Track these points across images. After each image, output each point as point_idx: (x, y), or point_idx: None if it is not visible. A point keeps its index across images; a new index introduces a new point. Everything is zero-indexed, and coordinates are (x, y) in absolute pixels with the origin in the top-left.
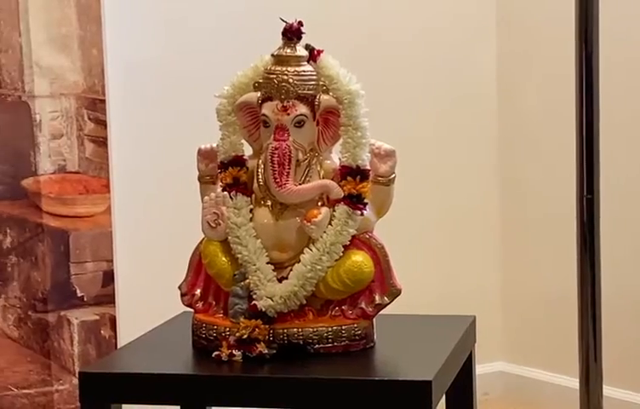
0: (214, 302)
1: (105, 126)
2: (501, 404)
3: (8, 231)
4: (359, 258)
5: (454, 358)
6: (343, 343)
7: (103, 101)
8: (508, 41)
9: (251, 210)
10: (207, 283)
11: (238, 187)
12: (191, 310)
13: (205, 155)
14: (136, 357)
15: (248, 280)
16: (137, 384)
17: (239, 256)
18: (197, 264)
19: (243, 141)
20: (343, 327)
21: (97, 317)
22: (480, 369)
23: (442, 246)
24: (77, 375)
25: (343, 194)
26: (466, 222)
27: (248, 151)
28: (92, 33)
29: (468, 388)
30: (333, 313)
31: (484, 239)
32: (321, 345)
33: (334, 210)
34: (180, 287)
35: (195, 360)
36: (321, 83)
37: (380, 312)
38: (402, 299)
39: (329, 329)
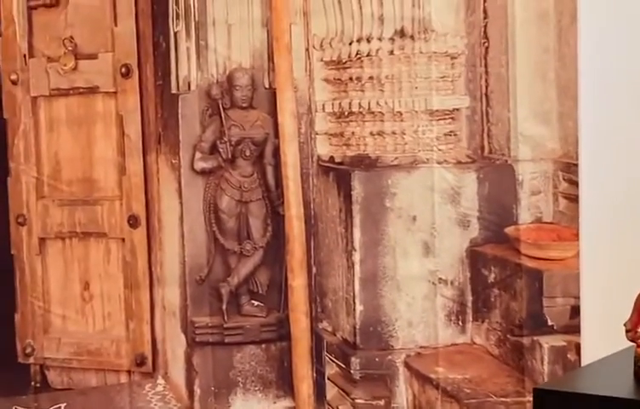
0: None
1: (577, 186)
2: None
3: (493, 268)
4: None
5: None
6: None
7: (576, 165)
8: None
9: None
10: None
11: None
12: (634, 344)
13: None
14: (584, 379)
15: None
16: (581, 402)
17: None
18: None
19: None
20: None
21: (564, 343)
22: None
23: None
24: None
25: None
26: None
27: None
28: (569, 108)
29: None
30: None
31: None
32: None
33: None
34: (625, 324)
35: (633, 386)
36: None
37: None
38: None
39: None
